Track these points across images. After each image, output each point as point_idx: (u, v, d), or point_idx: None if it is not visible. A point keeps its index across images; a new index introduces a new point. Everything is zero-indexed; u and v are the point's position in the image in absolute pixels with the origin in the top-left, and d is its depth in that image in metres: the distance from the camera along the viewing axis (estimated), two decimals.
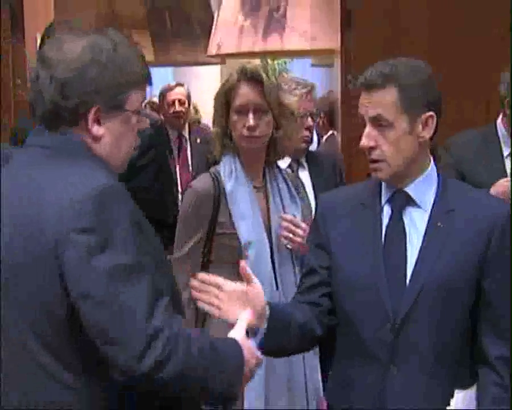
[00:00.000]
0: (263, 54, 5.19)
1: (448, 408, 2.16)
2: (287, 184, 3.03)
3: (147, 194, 4.06)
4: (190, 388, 1.81)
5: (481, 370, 2.22)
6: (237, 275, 2.76)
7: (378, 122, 2.15)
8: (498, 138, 3.72)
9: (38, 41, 4.96)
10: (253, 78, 2.85)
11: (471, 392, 2.21)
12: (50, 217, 1.71)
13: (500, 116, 3.74)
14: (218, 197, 2.88)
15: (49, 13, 5.47)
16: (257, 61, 3.78)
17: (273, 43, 5.45)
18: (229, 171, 2.91)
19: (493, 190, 3.43)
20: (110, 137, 1.87)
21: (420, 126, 2.17)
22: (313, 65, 8.80)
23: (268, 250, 2.91)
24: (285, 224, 2.90)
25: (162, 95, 6.00)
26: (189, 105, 6.07)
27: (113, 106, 1.85)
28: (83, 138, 1.86)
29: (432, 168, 2.26)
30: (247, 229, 2.87)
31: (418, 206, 2.23)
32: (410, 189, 2.22)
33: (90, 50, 1.82)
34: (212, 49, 6.10)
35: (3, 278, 1.77)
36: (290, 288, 2.89)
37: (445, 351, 2.19)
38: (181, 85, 6.15)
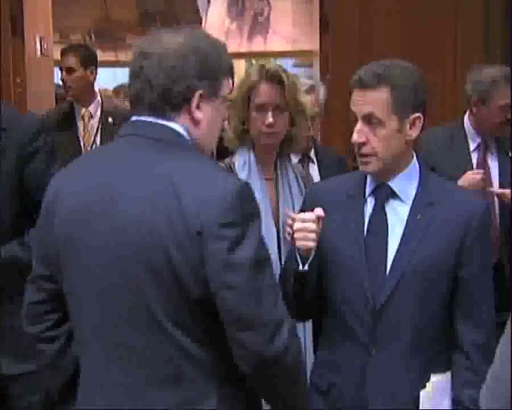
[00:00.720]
0: (248, 55, 5.33)
1: (423, 390, 2.21)
2: (296, 177, 3.08)
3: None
4: (302, 376, 1.92)
5: (455, 356, 2.26)
6: None
7: (370, 120, 2.22)
8: (465, 133, 3.90)
9: (37, 42, 5.20)
10: (273, 77, 2.92)
11: (447, 376, 2.25)
12: (194, 210, 1.75)
13: (467, 113, 3.95)
14: None
15: (48, 16, 5.60)
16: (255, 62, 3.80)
17: (258, 45, 5.65)
18: (243, 163, 2.98)
19: (461, 182, 3.60)
20: (206, 122, 1.93)
21: (408, 126, 2.23)
22: (295, 65, 8.97)
23: (276, 238, 2.96)
24: (289, 221, 2.91)
25: None
26: None
27: (212, 92, 1.92)
28: (185, 123, 1.91)
29: (414, 163, 2.31)
30: None
31: (401, 200, 2.27)
32: (393, 183, 2.27)
33: (191, 40, 1.91)
34: None
35: (145, 255, 1.78)
36: None
37: (423, 337, 2.24)
38: None
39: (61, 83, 4.98)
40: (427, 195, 2.28)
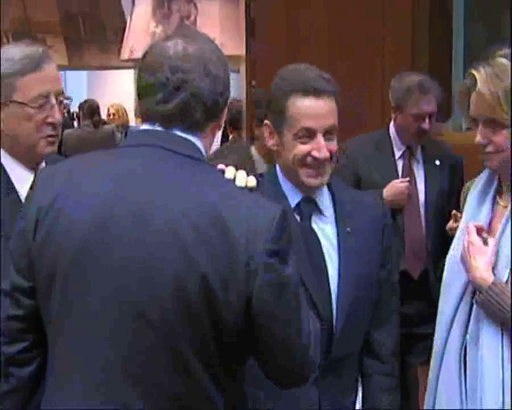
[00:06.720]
0: None
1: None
2: None
3: None
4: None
5: (369, 362, 2.24)
6: None
7: (329, 132, 2.10)
8: (390, 141, 3.86)
9: None
10: None
11: (358, 397, 2.25)
12: (240, 236, 1.63)
13: (392, 121, 3.96)
14: None
15: None
16: None
17: None
18: None
19: (386, 190, 3.61)
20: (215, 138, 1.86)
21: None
22: None
23: None
24: None
25: None
26: None
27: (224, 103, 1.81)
28: (203, 140, 1.79)
29: None
30: None
31: (322, 214, 2.18)
32: (316, 197, 2.17)
33: (215, 48, 1.78)
34: (125, 54, 6.27)
35: (180, 281, 1.63)
36: None
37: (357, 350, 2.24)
38: None
39: None
40: (343, 205, 2.20)
